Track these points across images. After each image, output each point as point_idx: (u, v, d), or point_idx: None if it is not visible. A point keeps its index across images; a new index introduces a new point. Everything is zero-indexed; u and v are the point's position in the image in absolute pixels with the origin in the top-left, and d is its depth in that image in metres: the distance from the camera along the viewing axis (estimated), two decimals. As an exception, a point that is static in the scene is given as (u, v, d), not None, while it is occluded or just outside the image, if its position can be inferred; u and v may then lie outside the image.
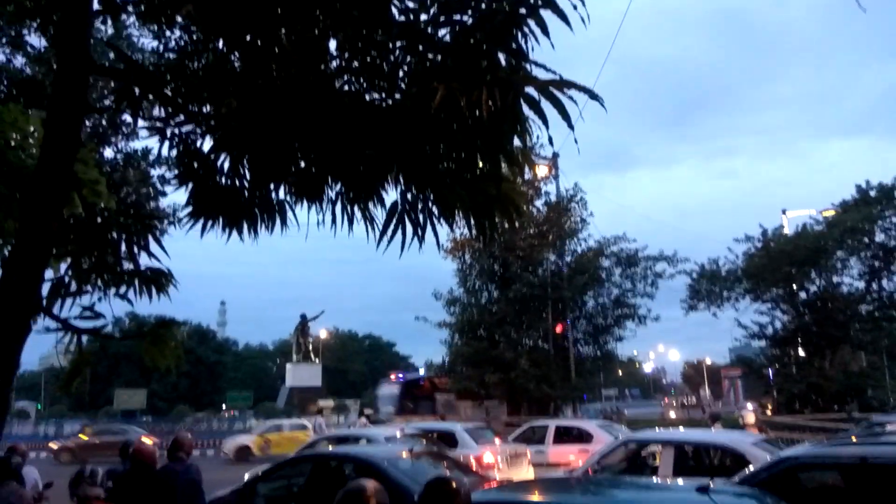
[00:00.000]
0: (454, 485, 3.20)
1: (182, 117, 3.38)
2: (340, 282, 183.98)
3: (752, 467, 6.57)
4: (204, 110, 3.33)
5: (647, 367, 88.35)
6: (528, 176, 27.73)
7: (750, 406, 23.90)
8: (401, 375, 36.95)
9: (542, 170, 28.49)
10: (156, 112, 3.61)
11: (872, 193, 27.78)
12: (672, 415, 47.36)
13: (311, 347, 56.18)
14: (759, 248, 27.56)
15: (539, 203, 29.34)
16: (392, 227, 2.65)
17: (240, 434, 31.63)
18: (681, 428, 17.70)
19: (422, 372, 51.10)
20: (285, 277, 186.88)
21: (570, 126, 2.31)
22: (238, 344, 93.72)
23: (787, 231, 28.79)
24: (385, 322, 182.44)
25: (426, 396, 31.81)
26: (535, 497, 4.87)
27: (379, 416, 31.19)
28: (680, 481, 6.66)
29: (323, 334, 64.34)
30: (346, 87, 2.88)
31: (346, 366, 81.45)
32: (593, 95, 2.27)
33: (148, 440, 28.08)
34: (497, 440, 15.17)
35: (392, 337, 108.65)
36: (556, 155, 28.44)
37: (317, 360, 56.33)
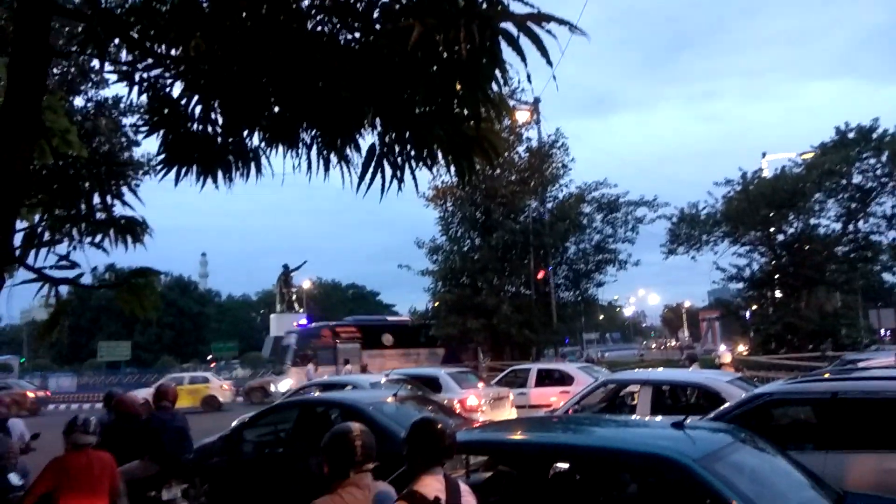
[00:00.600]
0: (440, 425, 3.28)
1: (150, 61, 3.27)
2: (323, 232, 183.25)
3: (727, 404, 6.77)
4: (173, 53, 3.23)
5: (628, 311, 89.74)
6: (507, 122, 27.50)
7: (723, 347, 24.53)
8: (302, 324, 35.15)
9: (523, 115, 28.21)
10: (124, 56, 3.49)
11: (851, 135, 27.98)
12: (639, 356, 48.44)
13: (294, 297, 56.40)
14: (739, 191, 27.80)
15: (521, 149, 29.22)
16: (371, 171, 2.61)
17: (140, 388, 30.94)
18: (660, 369, 18.13)
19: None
20: (267, 228, 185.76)
21: (549, 62, 2.26)
22: (221, 295, 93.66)
23: (767, 174, 29.03)
24: (369, 271, 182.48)
25: (326, 346, 30.60)
26: (517, 435, 4.99)
27: (281, 366, 29.58)
28: (657, 418, 6.85)
29: (306, 284, 64.46)
30: (319, 28, 2.80)
31: (331, 315, 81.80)
32: (574, 28, 2.22)
33: (31, 394, 28.46)
34: (480, 384, 15.46)
35: (376, 286, 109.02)
36: (537, 100, 28.15)
37: (301, 310, 56.62)
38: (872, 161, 27.30)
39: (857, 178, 27.56)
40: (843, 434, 5.45)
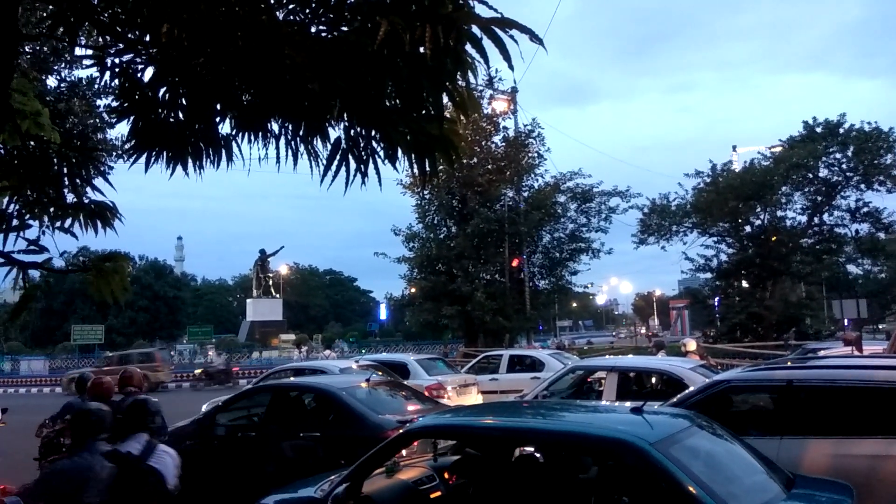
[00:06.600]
0: (93, 412, 3.97)
1: (121, 45, 3.27)
2: (301, 217, 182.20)
3: (688, 390, 6.97)
4: (145, 40, 3.23)
5: (600, 299, 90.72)
6: (486, 111, 27.56)
7: (689, 336, 25.11)
8: None
9: (500, 105, 28.29)
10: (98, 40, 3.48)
11: (818, 130, 28.52)
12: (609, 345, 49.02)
13: (271, 282, 56.07)
14: (708, 183, 28.24)
15: (497, 139, 29.33)
16: (336, 164, 2.67)
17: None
18: (630, 356, 18.47)
19: (382, 308, 50.48)
20: (245, 212, 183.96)
21: (511, 66, 2.33)
22: (197, 279, 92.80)
23: (737, 167, 29.52)
24: (346, 258, 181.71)
25: None
26: (483, 420, 5.11)
27: None
28: (618, 404, 7.03)
29: (283, 269, 64.13)
30: (290, 17, 2.83)
31: (308, 300, 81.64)
32: (535, 37, 2.30)
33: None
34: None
35: (353, 272, 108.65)
36: (514, 90, 28.22)
37: (277, 295, 56.33)
38: (838, 156, 27.91)
39: (823, 172, 28.17)
40: (798, 420, 5.63)
